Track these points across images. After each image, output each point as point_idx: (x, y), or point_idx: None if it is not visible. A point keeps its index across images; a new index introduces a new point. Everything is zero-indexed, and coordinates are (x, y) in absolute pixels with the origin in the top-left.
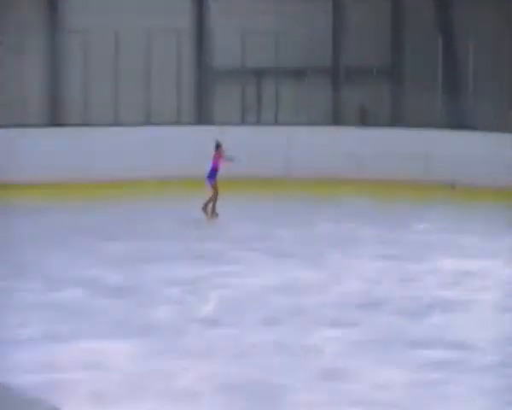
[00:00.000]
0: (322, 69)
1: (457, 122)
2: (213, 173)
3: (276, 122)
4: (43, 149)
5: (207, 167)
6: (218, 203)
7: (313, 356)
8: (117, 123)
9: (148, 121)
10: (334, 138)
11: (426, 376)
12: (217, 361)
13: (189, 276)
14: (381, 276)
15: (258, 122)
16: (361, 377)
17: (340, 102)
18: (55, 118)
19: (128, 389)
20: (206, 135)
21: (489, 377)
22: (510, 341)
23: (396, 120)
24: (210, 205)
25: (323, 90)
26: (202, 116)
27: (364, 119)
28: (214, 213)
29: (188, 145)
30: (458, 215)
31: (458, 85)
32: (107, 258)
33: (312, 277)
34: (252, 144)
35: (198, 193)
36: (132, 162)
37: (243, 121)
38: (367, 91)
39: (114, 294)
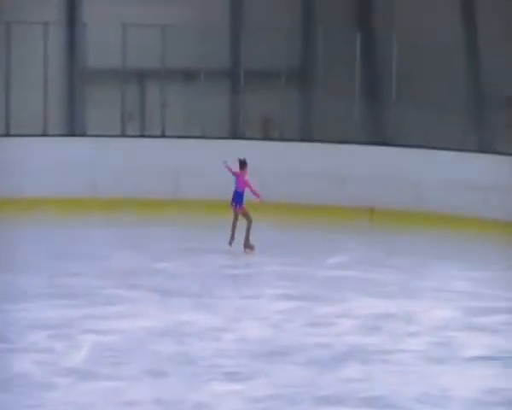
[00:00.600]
0: (218, 72)
1: (378, 136)
2: (241, 197)
3: (162, 134)
4: None
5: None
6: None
7: None
8: None
9: (7, 133)
10: (232, 154)
11: None
12: None
13: (57, 318)
14: (287, 320)
15: (142, 134)
16: None
17: (240, 111)
18: None
19: None
20: (78, 148)
21: None
22: (441, 399)
23: (306, 133)
24: (250, 235)
25: (220, 96)
26: (73, 126)
27: (268, 131)
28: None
29: (56, 160)
30: (379, 246)
31: (379, 92)
32: None
33: (204, 320)
34: (133, 160)
35: (71, 215)
36: None
37: (123, 133)
38: (272, 99)
39: None
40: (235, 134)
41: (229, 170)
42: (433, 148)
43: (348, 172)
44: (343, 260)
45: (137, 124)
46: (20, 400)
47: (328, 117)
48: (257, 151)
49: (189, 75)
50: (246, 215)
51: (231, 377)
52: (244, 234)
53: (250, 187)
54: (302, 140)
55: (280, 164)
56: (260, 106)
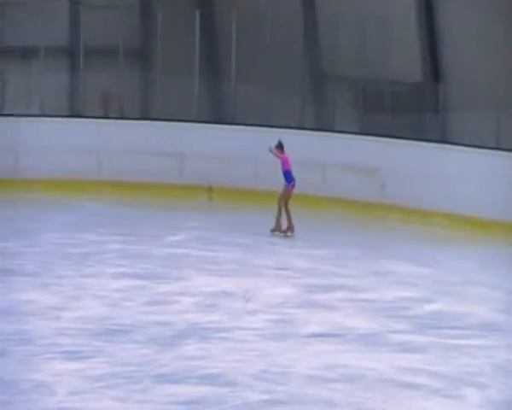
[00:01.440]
0: (57, 49)
1: (217, 115)
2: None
3: (0, 112)
4: None
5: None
6: None
7: (44, 395)
8: None
9: None
10: (71, 132)
11: None
12: None
13: None
14: (126, 298)
15: None
16: None
17: (79, 88)
18: None
19: None
20: None
21: None
22: (279, 375)
23: (145, 111)
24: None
25: (59, 74)
26: None
27: (108, 109)
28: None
29: None
30: (219, 224)
31: (218, 71)
32: None
33: (43, 299)
34: None
35: None
36: None
37: None
38: (111, 77)
39: None
40: (75, 112)
41: (276, 155)
42: (273, 126)
43: (187, 151)
44: (183, 238)
45: None
46: None
47: (168, 95)
48: (96, 129)
49: (27, 53)
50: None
51: (71, 355)
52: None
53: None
54: (142, 118)
55: (119, 142)
56: (100, 84)
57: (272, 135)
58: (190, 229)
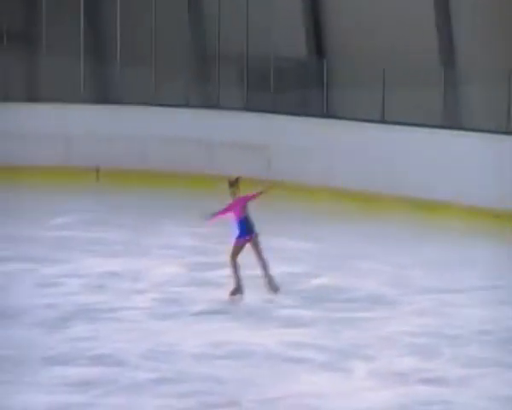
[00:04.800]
0: None
1: (102, 95)
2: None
3: None
4: None
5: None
6: None
7: None
8: None
9: None
10: None
11: (67, 398)
12: None
13: None
14: (13, 281)
15: None
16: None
17: None
18: None
19: None
20: None
21: (142, 398)
22: (167, 354)
23: (32, 93)
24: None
25: None
26: None
27: None
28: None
29: None
30: (105, 205)
31: (104, 52)
32: None
33: None
34: None
35: None
36: None
37: None
38: None
39: None
40: None
41: (217, 216)
42: (158, 105)
43: (73, 132)
44: (68, 220)
45: None
46: None
47: (54, 77)
48: None
49: None
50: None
51: None
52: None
53: (254, 197)
54: (28, 100)
55: (3, 125)
56: None
57: (157, 113)
58: (77, 211)
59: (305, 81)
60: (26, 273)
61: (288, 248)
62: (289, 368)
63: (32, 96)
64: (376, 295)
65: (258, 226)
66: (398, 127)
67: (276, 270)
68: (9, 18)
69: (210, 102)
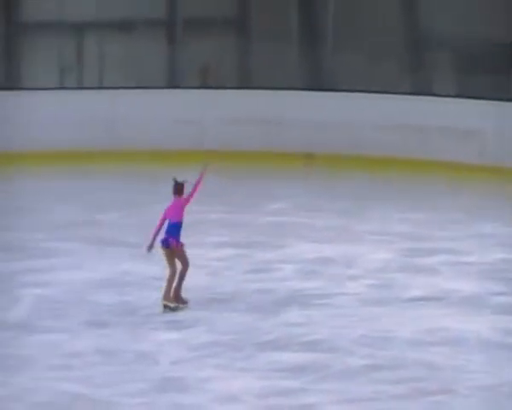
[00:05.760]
0: (155, 21)
1: (315, 81)
2: (177, 229)
3: (100, 85)
4: None
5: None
6: None
7: (147, 365)
8: None
9: None
10: (171, 103)
11: (281, 383)
12: (32, 375)
13: None
14: (227, 267)
15: (80, 85)
16: (204, 388)
17: (178, 60)
18: None
19: None
20: (15, 101)
21: (355, 384)
22: (381, 340)
23: (243, 80)
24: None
25: (157, 45)
26: (9, 80)
27: (206, 79)
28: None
29: None
30: (318, 191)
31: (316, 38)
32: None
33: (143, 269)
34: (72, 111)
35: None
36: None
37: (61, 85)
38: (209, 47)
39: None
40: (174, 83)
41: (156, 233)
42: (370, 91)
43: (286, 118)
44: (282, 206)
45: (75, 75)
46: None
47: (266, 63)
48: (195, 100)
49: (125, 25)
50: (184, 256)
51: (172, 325)
52: (175, 283)
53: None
54: (240, 87)
55: (218, 112)
56: (198, 54)
57: (369, 100)
58: (289, 196)
59: None
60: (241, 259)
61: (503, 234)
62: (503, 355)
63: (245, 83)
64: None
65: (473, 212)
66: None
67: (490, 256)
68: (223, 5)
69: (422, 88)
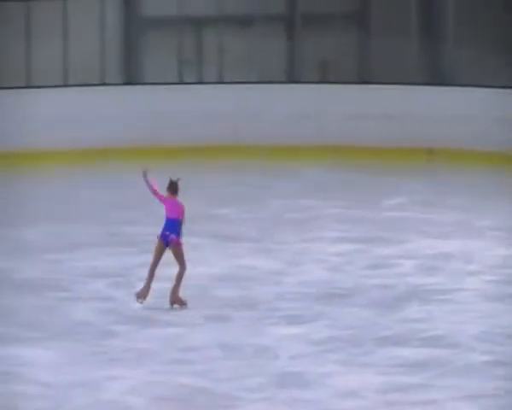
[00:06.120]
0: (274, 16)
1: (435, 76)
2: (177, 226)
3: (220, 80)
4: None
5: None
6: None
7: (267, 359)
8: (30, 85)
9: (65, 82)
10: (290, 98)
11: (400, 379)
12: (151, 368)
13: (116, 266)
14: (346, 262)
15: (200, 80)
16: (324, 383)
17: (297, 54)
18: None
19: (47, 404)
20: (136, 96)
21: (476, 380)
22: (502, 336)
23: (363, 75)
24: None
25: (276, 40)
26: (131, 75)
27: (325, 74)
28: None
29: (115, 109)
30: (438, 186)
31: (436, 32)
32: (18, 246)
33: (264, 264)
34: (192, 106)
35: (130, 163)
36: (49, 130)
37: (181, 79)
38: (329, 42)
39: (27, 290)
40: (293, 78)
41: (149, 186)
42: (491, 86)
43: (406, 113)
44: (401, 201)
45: (195, 70)
46: (81, 348)
47: (386, 58)
48: (314, 94)
49: (245, 21)
50: (182, 257)
51: (292, 320)
52: (174, 283)
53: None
54: (359, 82)
55: (337, 107)
56: (317, 49)
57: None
58: (410, 192)
59: None
60: (360, 254)
61: None
62: None
63: (364, 78)
64: None
65: None
66: None
67: None
68: (344, 0)
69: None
